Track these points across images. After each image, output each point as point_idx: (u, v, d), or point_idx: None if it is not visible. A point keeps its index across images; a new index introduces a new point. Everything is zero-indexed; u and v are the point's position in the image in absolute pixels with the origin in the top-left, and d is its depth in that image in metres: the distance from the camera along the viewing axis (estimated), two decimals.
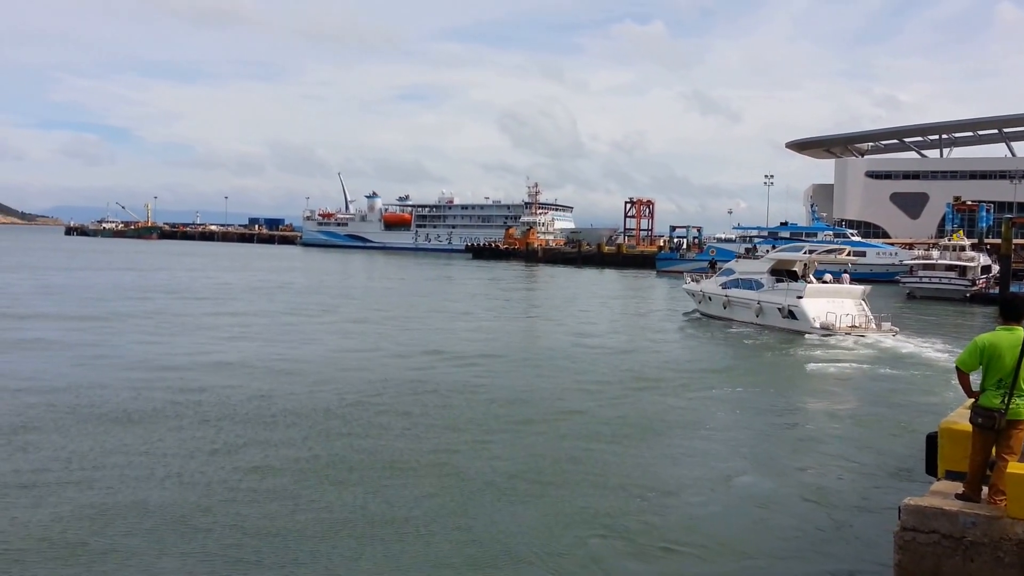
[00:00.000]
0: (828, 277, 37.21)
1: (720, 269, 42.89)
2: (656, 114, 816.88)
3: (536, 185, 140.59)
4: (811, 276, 37.02)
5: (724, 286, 39.35)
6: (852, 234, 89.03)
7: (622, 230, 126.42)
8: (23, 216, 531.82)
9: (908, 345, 30.34)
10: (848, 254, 39.66)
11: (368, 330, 31.30)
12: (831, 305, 33.61)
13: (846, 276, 38.02)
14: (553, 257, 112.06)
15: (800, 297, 34.04)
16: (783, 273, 37.02)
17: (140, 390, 17.99)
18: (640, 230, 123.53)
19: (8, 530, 9.94)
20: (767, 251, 46.13)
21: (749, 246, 72.83)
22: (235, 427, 15.19)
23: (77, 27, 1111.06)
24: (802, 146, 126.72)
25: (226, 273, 67.14)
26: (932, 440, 8.26)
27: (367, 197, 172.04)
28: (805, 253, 38.64)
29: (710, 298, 40.45)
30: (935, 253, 65.56)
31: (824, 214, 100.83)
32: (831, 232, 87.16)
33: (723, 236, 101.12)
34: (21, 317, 31.44)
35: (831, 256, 38.97)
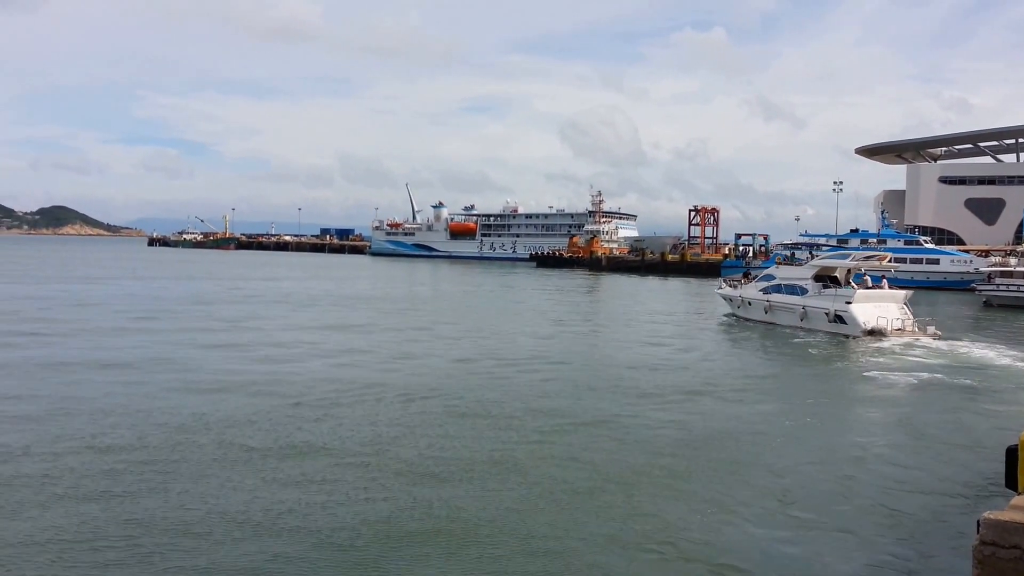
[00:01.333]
0: (867, 279, 38.39)
1: (756, 276, 44.56)
2: (719, 121, 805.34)
3: (600, 194, 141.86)
4: (852, 281, 38.39)
5: (765, 291, 40.80)
6: (925, 241, 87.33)
7: (686, 238, 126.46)
8: (108, 228, 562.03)
9: (975, 352, 30.72)
10: (889, 260, 40.60)
11: (451, 339, 32.78)
12: (878, 310, 35.13)
13: (884, 281, 39.06)
14: (617, 265, 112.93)
15: (849, 302, 35.46)
16: (825, 279, 38.45)
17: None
18: (705, 238, 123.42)
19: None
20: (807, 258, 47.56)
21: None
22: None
23: (160, 47, 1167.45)
24: (873, 151, 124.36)
25: (324, 282, 70.70)
26: (1012, 453, 8.16)
27: (433, 207, 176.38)
28: (851, 260, 39.86)
29: (749, 303, 41.88)
30: (1012, 260, 64.18)
31: (895, 221, 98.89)
32: (903, 239, 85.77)
33: (790, 243, 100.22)
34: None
35: (871, 262, 39.89)
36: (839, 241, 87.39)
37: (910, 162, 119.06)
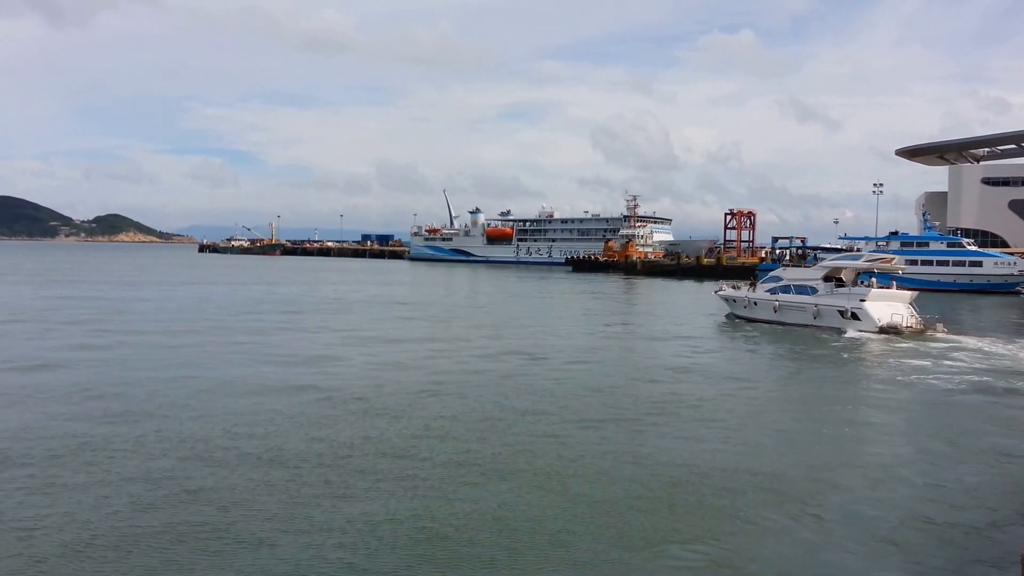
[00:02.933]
0: (874, 281, 40.12)
1: (761, 279, 46.97)
2: (753, 124, 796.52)
3: (635, 198, 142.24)
4: (859, 281, 40.41)
5: (772, 291, 42.77)
6: (968, 243, 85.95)
7: (722, 241, 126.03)
8: (160, 235, 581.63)
9: (1011, 353, 30.96)
10: (896, 262, 43.19)
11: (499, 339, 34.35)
12: (890, 308, 37.44)
13: (893, 282, 41.24)
14: (652, 269, 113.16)
15: (863, 300, 37.60)
16: (833, 279, 40.40)
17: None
18: (740, 241, 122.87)
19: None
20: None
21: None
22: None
23: (204, 59, 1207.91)
24: (913, 153, 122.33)
25: (385, 288, 73.05)
26: None
27: (470, 213, 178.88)
28: (862, 261, 41.90)
29: (755, 303, 43.60)
30: None
31: (937, 223, 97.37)
32: (945, 242, 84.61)
33: (829, 246, 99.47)
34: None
35: (878, 263, 41.78)
36: (879, 244, 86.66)
37: (952, 163, 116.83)
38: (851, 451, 16.40)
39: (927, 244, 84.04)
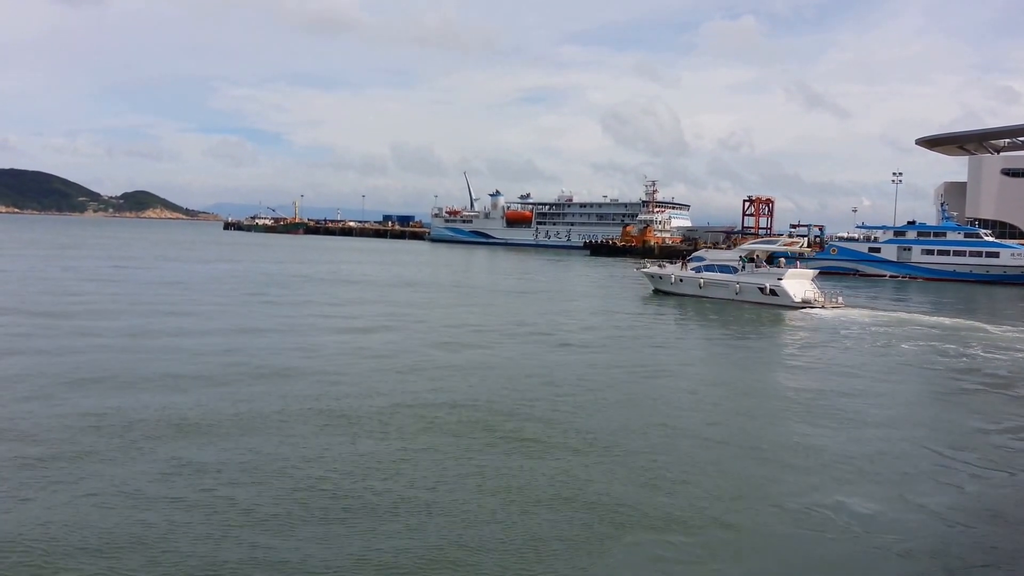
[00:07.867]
0: (782, 261, 47.14)
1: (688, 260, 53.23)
2: (767, 112, 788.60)
3: (654, 184, 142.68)
4: (765, 262, 47.07)
5: (696, 270, 48.61)
6: (986, 234, 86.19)
7: (739, 228, 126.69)
8: (187, 212, 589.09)
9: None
10: (801, 245, 50.96)
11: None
12: (802, 285, 43.59)
13: (798, 262, 48.67)
14: (669, 255, 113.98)
15: (780, 279, 43.74)
16: (750, 261, 46.57)
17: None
18: (759, 228, 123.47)
19: None
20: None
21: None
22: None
23: (221, 41, 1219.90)
24: (933, 143, 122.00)
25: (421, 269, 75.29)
26: None
27: (490, 195, 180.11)
28: (778, 245, 49.40)
29: (681, 280, 49.15)
30: None
31: (955, 213, 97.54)
32: (963, 232, 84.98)
33: (846, 235, 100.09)
34: None
35: (782, 246, 49.60)
36: (896, 233, 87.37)
37: (972, 153, 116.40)
38: (859, 455, 15.26)
39: (944, 234, 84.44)
